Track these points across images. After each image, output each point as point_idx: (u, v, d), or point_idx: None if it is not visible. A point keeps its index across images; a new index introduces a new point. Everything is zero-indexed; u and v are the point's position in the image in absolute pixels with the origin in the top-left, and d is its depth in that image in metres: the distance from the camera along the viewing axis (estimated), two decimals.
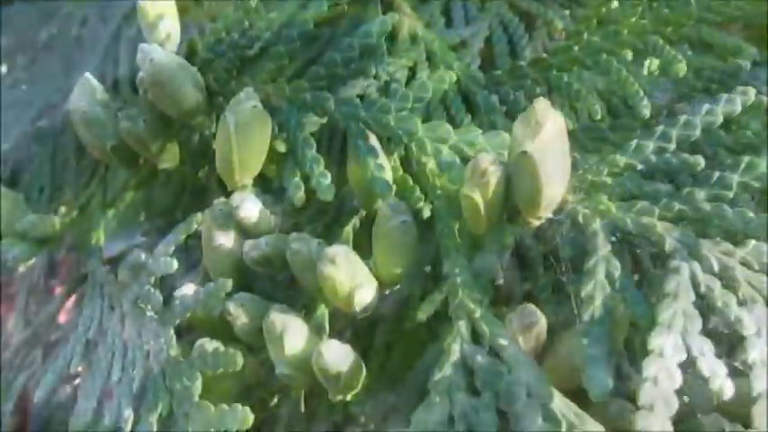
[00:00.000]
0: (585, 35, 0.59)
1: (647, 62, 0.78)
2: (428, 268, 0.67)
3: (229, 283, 0.51)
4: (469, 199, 0.46)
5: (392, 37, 0.72)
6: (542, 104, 0.45)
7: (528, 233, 0.62)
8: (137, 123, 0.64)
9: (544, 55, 0.62)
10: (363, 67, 0.64)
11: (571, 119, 0.70)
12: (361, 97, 0.58)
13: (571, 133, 0.60)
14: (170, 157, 0.68)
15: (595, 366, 0.40)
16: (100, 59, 0.83)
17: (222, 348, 0.51)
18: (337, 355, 0.49)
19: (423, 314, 0.62)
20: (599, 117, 0.58)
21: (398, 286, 0.67)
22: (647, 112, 0.53)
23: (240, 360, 0.49)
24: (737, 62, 0.54)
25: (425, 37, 0.71)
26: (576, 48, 0.59)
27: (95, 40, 0.90)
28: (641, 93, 0.54)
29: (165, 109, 0.63)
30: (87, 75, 0.64)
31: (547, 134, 0.44)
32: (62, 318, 0.81)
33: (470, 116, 0.66)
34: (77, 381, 0.71)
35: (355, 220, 0.63)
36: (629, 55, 0.75)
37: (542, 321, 0.51)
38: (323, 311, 0.60)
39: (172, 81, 0.60)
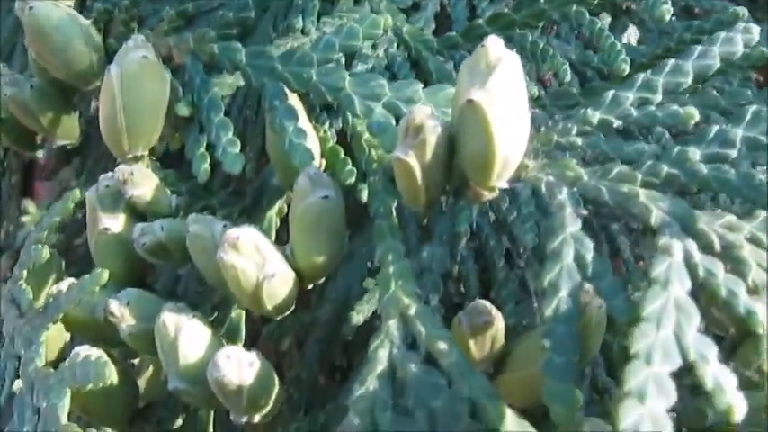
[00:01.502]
0: None
1: (626, 33, 0.70)
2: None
3: (105, 275, 0.41)
4: (402, 163, 0.36)
5: None
6: (494, 43, 0.35)
7: (485, 220, 0.52)
8: (22, 90, 0.54)
9: (506, 9, 0.52)
10: (293, 24, 0.54)
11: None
12: None
13: (537, 101, 0.51)
14: (68, 132, 0.57)
15: (559, 377, 0.30)
16: None
17: (93, 357, 0.40)
18: (237, 366, 0.39)
19: (359, 315, 0.52)
20: (568, 79, 0.48)
21: (335, 280, 0.57)
22: (625, 68, 0.44)
23: (111, 373, 0.39)
24: (734, 9, 0.44)
25: None
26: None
27: None
28: (618, 45, 0.45)
29: (52, 71, 0.52)
30: None
31: (500, 79, 0.34)
32: None
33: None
34: None
35: (282, 204, 0.52)
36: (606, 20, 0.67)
37: (498, 322, 0.41)
38: (239, 313, 0.49)
39: (56, 35, 0.49)
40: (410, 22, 0.61)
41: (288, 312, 0.44)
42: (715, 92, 0.45)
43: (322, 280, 0.44)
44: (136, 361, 0.51)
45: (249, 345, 0.69)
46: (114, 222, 0.46)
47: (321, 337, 0.57)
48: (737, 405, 0.27)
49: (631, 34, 0.69)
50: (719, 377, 0.28)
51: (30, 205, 0.93)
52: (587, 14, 0.48)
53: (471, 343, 0.41)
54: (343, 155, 0.46)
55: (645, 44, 0.65)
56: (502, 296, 0.49)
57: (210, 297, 0.49)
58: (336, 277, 0.56)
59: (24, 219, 0.88)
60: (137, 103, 0.44)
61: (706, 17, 0.65)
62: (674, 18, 0.64)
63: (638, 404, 0.27)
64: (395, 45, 0.59)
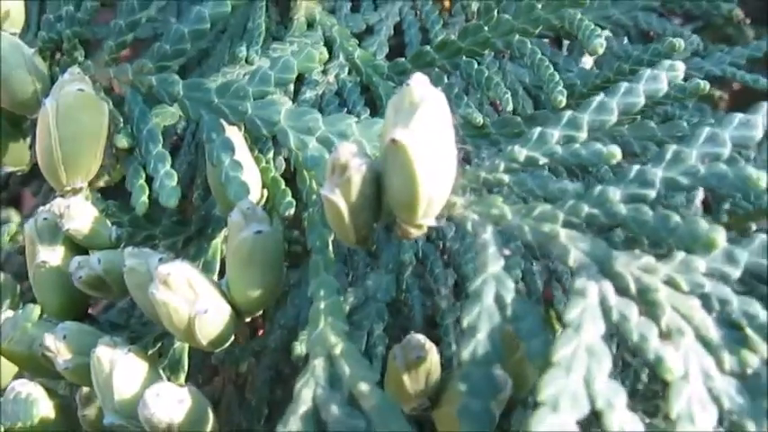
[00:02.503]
0: (496, 12, 0.49)
1: (585, 57, 0.70)
2: None
3: (37, 311, 0.40)
4: (329, 201, 0.36)
5: (286, 22, 0.63)
6: (419, 81, 0.35)
7: (431, 248, 0.52)
8: None
9: (452, 37, 0.52)
10: (236, 53, 0.54)
11: (491, 117, 0.61)
12: None
13: (482, 129, 0.51)
14: (16, 159, 0.57)
15: (474, 423, 0.29)
16: None
17: (23, 395, 0.40)
18: (167, 402, 0.38)
19: (303, 345, 0.51)
20: (510, 108, 0.49)
21: (284, 307, 0.57)
22: (561, 99, 0.44)
23: (41, 411, 0.38)
24: (671, 40, 0.45)
25: (324, 22, 0.61)
26: (487, 28, 0.50)
27: None
28: (556, 77, 0.45)
29: None
30: None
31: (423, 118, 0.34)
32: None
33: (370, 111, 0.57)
34: None
35: (227, 232, 0.52)
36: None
37: (433, 356, 0.41)
38: (182, 346, 0.49)
39: None
40: (363, 46, 0.61)
41: (226, 345, 0.44)
42: (652, 122, 0.45)
43: (260, 312, 0.44)
44: (86, 389, 0.51)
45: (210, 368, 0.69)
46: (52, 255, 0.46)
47: (271, 363, 0.57)
48: None
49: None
50: (625, 425, 0.28)
51: (13, 215, 0.92)
52: (528, 44, 0.48)
53: (405, 378, 0.41)
54: (283, 186, 0.46)
55: (600, 67, 0.65)
56: (444, 326, 0.49)
57: (153, 328, 0.49)
58: (286, 304, 0.56)
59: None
60: (73, 135, 0.44)
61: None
62: (626, 42, 0.64)
63: None
64: (346, 70, 0.59)
